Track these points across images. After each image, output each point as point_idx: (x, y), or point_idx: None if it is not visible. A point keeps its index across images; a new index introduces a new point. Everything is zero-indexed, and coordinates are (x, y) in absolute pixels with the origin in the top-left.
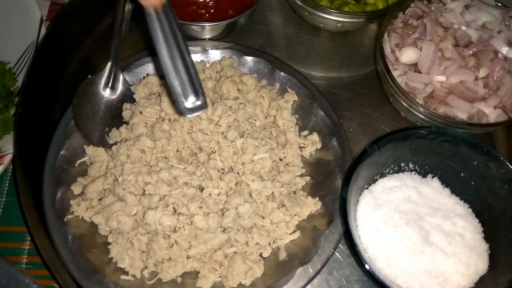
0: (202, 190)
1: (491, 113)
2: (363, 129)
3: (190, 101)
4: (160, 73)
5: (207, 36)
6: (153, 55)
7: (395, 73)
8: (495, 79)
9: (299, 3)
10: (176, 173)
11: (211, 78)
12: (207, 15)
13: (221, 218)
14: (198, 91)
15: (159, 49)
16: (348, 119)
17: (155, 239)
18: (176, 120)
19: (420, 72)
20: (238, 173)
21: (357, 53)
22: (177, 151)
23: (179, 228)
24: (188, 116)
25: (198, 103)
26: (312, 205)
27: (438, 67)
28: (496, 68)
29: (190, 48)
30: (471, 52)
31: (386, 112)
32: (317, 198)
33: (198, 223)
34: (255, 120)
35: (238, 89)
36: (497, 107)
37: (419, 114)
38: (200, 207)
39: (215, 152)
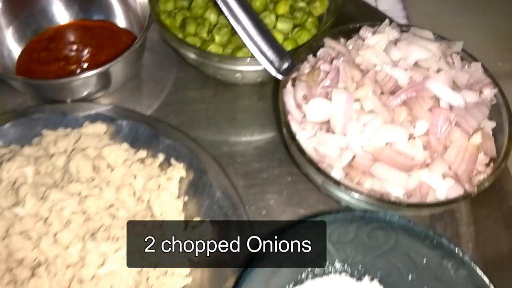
0: None
1: (439, 186)
2: (284, 204)
3: (281, 67)
4: None
5: (76, 97)
6: None
7: (302, 136)
8: (439, 135)
9: (180, 49)
10: None
11: (65, 152)
12: (78, 70)
13: None
14: (283, 55)
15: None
16: (260, 192)
17: None
18: None
19: (334, 133)
20: None
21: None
22: None
23: None
24: (282, 78)
25: (285, 65)
26: None
27: (356, 124)
28: (438, 120)
29: (38, 115)
30: (399, 100)
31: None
32: None
33: None
34: (117, 210)
35: (95, 167)
36: (447, 176)
37: (338, 192)
38: None
39: (41, 265)
